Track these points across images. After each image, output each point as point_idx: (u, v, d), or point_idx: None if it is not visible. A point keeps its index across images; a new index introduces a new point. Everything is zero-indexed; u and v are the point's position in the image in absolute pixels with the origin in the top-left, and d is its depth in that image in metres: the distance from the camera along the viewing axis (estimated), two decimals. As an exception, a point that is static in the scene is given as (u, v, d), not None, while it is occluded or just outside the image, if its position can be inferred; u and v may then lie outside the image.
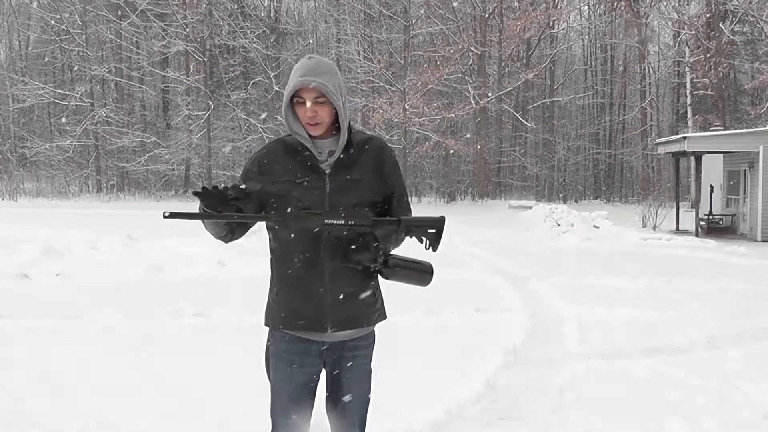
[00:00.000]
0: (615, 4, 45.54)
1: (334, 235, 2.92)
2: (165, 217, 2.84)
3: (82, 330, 8.22)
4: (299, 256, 3.01)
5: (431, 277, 3.06)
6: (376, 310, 3.19)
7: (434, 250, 3.08)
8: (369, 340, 3.23)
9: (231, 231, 3.06)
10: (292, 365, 3.10)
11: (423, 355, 7.12)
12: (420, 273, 3.04)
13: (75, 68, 48.24)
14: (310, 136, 3.04)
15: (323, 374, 3.22)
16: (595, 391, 6.10)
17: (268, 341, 3.21)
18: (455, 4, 41.31)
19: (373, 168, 3.09)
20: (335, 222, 2.89)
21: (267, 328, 3.19)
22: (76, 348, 7.33)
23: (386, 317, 3.28)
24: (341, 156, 3.05)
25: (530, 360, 7.17)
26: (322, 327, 3.03)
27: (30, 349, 7.27)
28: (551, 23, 45.11)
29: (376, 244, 2.95)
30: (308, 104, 2.95)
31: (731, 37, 39.28)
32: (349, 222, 2.90)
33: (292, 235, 3.00)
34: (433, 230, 3.06)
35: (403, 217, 3.04)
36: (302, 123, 3.02)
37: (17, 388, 5.96)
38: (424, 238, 3.07)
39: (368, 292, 3.12)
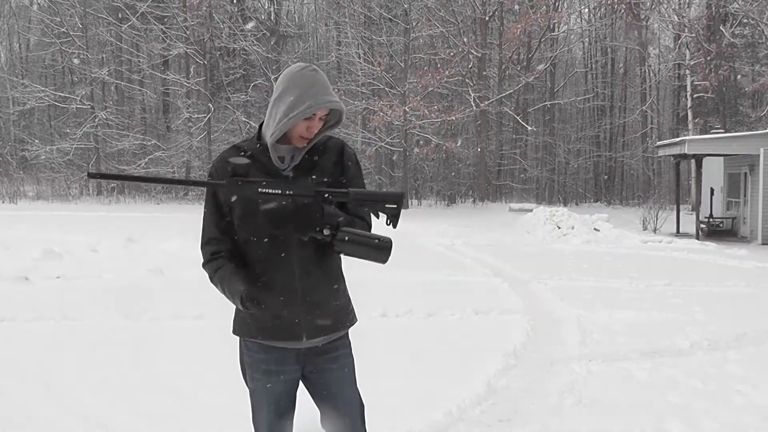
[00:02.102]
0: (615, 6, 45.59)
1: (273, 206, 2.88)
2: (89, 176, 2.84)
3: (83, 332, 8.22)
4: (266, 264, 2.97)
5: (389, 254, 2.85)
6: (347, 314, 3.17)
7: (393, 226, 2.91)
8: (344, 341, 3.20)
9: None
10: (270, 375, 3.07)
11: (423, 357, 7.13)
12: (375, 249, 2.84)
13: (75, 72, 48.26)
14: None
15: (307, 388, 3.18)
16: (595, 393, 6.09)
17: (240, 350, 3.18)
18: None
19: (333, 169, 3.05)
20: (271, 191, 2.81)
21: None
22: (76, 350, 7.33)
23: (357, 320, 3.24)
24: (302, 159, 3.01)
25: (530, 362, 7.16)
26: (296, 336, 3.01)
27: (30, 351, 7.27)
28: (551, 26, 45.13)
29: (319, 213, 2.86)
30: (316, 120, 2.94)
31: (732, 39, 39.29)
32: (288, 192, 2.83)
33: (254, 238, 2.96)
34: (392, 205, 2.89)
35: (353, 189, 2.91)
36: (291, 136, 2.95)
37: (17, 390, 5.96)
38: (381, 213, 2.93)
39: (338, 297, 3.11)
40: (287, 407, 3.14)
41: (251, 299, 2.80)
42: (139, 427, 5.13)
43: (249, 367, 3.13)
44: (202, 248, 3.10)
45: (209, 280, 3.06)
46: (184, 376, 6.39)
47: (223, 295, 2.99)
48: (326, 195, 2.87)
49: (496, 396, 6.00)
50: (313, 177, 2.98)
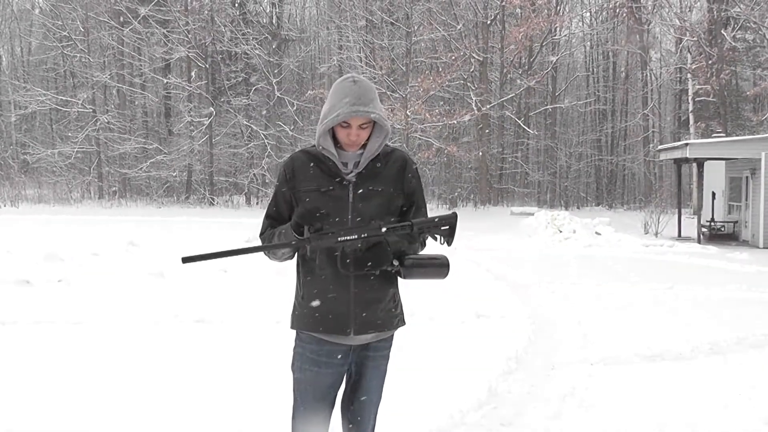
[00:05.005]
0: (617, 10, 45.58)
1: (349, 249, 3.11)
2: (183, 262, 3.00)
3: (83, 336, 8.22)
4: (323, 266, 3.18)
5: (448, 270, 3.18)
6: (396, 316, 3.35)
7: (449, 244, 3.22)
8: (389, 343, 3.42)
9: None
10: (320, 366, 3.25)
11: (425, 360, 7.11)
12: (437, 267, 3.16)
13: (77, 75, 48.31)
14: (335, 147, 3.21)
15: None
16: (597, 397, 6.09)
17: (295, 343, 3.37)
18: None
19: (394, 179, 3.26)
20: (349, 238, 3.02)
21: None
22: (77, 353, 7.33)
23: (405, 324, 3.44)
24: (365, 167, 3.21)
25: (532, 366, 7.16)
26: (344, 331, 3.19)
27: (31, 354, 7.27)
28: (553, 30, 45.10)
29: (388, 248, 3.12)
30: (353, 129, 3.12)
31: (733, 43, 39.28)
32: (362, 235, 3.04)
33: (309, 254, 3.18)
34: (446, 227, 3.18)
35: (415, 220, 3.15)
36: (340, 141, 3.18)
37: (18, 392, 5.96)
38: (438, 236, 3.20)
39: (389, 299, 3.28)
40: (329, 401, 3.34)
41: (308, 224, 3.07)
42: (139, 431, 5.13)
43: (299, 358, 3.33)
44: (264, 219, 3.41)
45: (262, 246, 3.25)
46: (185, 379, 6.39)
47: (275, 255, 3.23)
48: (389, 228, 3.10)
49: (497, 400, 5.99)
50: (371, 187, 3.20)
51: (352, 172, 3.20)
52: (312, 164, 3.22)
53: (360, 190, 3.18)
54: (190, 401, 5.75)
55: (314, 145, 3.26)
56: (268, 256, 3.27)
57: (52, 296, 10.82)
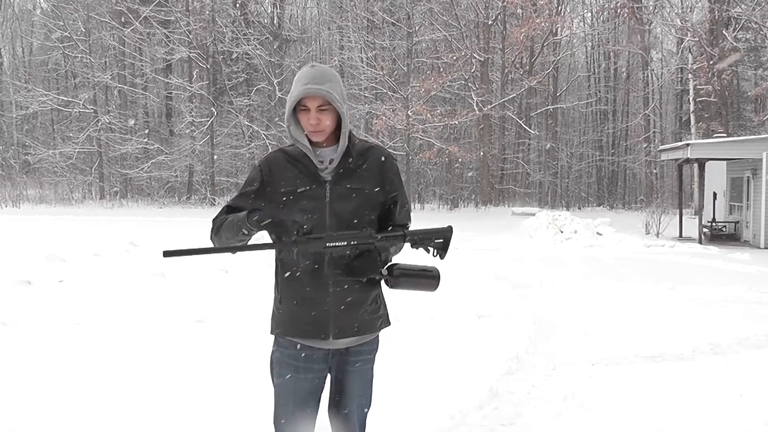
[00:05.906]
0: (618, 11, 45.58)
1: (337, 254, 2.98)
2: (164, 255, 2.88)
3: (84, 336, 8.21)
4: (303, 269, 3.06)
5: (438, 283, 3.10)
6: (378, 318, 3.22)
7: (441, 258, 3.13)
8: (373, 346, 3.27)
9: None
10: (297, 372, 3.13)
11: (426, 361, 7.10)
12: (426, 279, 3.08)
13: (78, 75, 48.33)
14: (311, 144, 3.09)
15: (327, 379, 3.27)
16: (598, 397, 6.08)
17: (273, 348, 3.24)
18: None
19: (374, 177, 3.12)
20: (337, 244, 2.92)
21: (272, 337, 3.22)
22: (77, 354, 7.32)
23: (390, 324, 3.31)
24: (342, 165, 3.08)
25: (533, 366, 7.15)
26: (324, 334, 3.07)
27: (32, 355, 7.26)
28: (554, 30, 45.10)
29: (378, 257, 3.01)
30: (312, 112, 2.99)
31: (734, 44, 39.24)
32: (352, 242, 2.93)
33: (295, 257, 3.06)
34: (441, 240, 3.09)
35: (408, 231, 3.06)
36: (304, 131, 3.07)
37: (18, 393, 5.95)
38: (431, 248, 3.11)
39: (371, 301, 3.16)
40: (311, 407, 3.20)
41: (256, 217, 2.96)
42: (139, 431, 5.13)
43: (277, 364, 3.19)
44: (219, 212, 3.25)
45: (210, 234, 3.22)
46: (184, 379, 6.38)
47: (225, 241, 3.12)
48: (382, 237, 3.00)
49: (498, 400, 5.98)
50: (349, 185, 3.07)
51: (327, 168, 3.08)
52: (289, 164, 3.11)
53: (338, 189, 3.06)
54: (189, 402, 5.74)
55: (292, 144, 3.16)
56: (223, 245, 3.11)
57: (53, 296, 10.81)
